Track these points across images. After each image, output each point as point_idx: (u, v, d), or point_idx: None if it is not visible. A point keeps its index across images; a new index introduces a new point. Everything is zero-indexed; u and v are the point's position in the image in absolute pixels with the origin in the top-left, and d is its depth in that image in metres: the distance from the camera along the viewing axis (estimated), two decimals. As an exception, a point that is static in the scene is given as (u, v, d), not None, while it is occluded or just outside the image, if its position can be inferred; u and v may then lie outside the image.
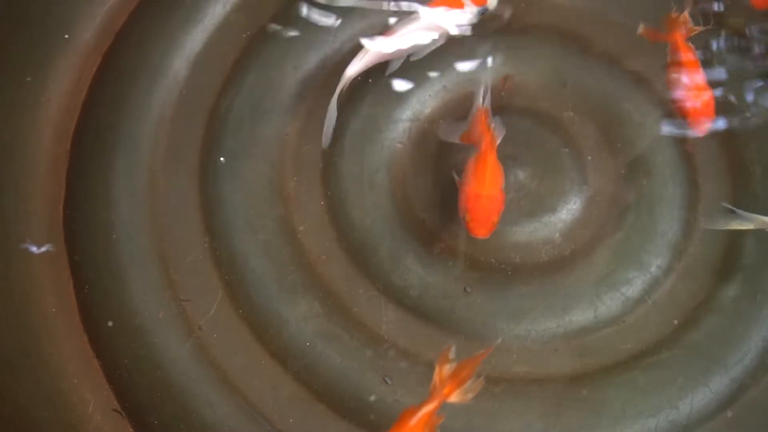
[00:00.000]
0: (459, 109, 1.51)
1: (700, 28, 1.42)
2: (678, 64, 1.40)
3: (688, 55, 1.40)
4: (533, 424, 1.34)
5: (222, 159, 1.47)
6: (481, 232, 1.29)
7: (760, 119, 1.49)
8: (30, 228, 1.43)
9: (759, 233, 1.43)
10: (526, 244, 1.45)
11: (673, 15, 1.43)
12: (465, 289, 1.42)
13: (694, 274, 1.43)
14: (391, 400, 1.36)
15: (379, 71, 1.52)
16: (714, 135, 1.45)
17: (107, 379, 1.38)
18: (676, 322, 1.40)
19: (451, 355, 1.16)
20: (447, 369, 1.15)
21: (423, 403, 1.13)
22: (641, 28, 1.45)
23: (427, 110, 1.52)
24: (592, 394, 1.35)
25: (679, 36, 1.41)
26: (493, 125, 1.33)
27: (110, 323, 1.38)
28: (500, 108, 1.50)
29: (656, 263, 1.43)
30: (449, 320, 1.41)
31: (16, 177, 1.45)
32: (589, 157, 1.50)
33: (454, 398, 1.15)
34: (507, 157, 1.47)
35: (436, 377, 1.15)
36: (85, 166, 1.47)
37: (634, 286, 1.42)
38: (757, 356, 1.37)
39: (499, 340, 1.26)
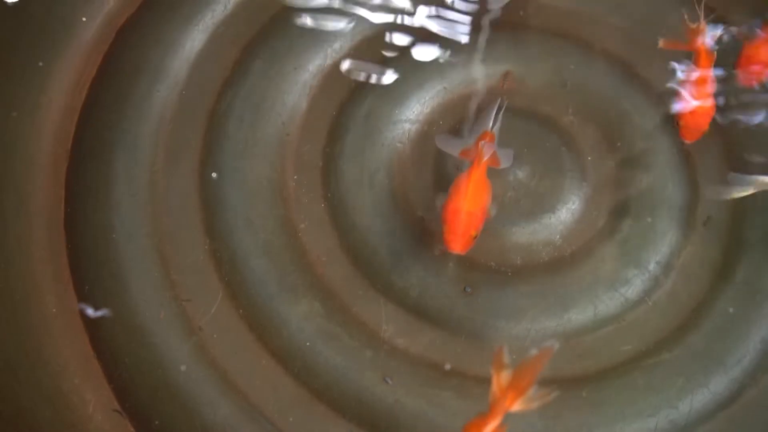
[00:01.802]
0: (459, 110, 1.51)
1: (719, 35, 1.44)
2: (700, 74, 1.41)
3: (709, 65, 1.42)
4: (533, 424, 1.34)
5: (214, 174, 1.47)
6: (456, 247, 1.28)
7: (760, 119, 1.49)
8: (30, 228, 1.43)
9: (758, 232, 1.44)
10: (525, 244, 1.45)
11: (693, 25, 1.44)
12: (465, 289, 1.42)
13: (693, 274, 1.43)
14: (392, 400, 1.36)
15: (379, 72, 1.53)
16: (714, 135, 1.46)
17: (107, 379, 1.38)
18: (675, 322, 1.41)
19: (506, 358, 1.10)
20: (505, 377, 1.09)
21: (485, 417, 1.07)
22: (661, 42, 1.46)
23: (427, 111, 1.52)
24: (591, 394, 1.36)
25: (702, 46, 1.43)
26: (485, 146, 1.33)
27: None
28: (500, 108, 1.51)
29: (656, 263, 1.43)
30: (449, 320, 1.41)
31: (16, 177, 1.45)
32: (589, 157, 1.50)
33: (516, 407, 1.09)
34: (507, 157, 1.47)
35: (494, 386, 1.09)
36: (85, 166, 1.47)
37: (634, 286, 1.42)
38: (756, 356, 1.37)
39: (556, 345, 1.23)
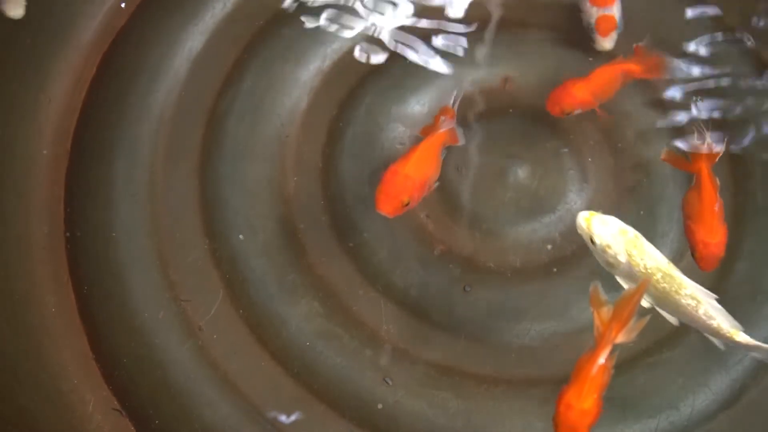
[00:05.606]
0: (459, 110, 1.50)
1: (721, 152, 1.31)
2: (699, 196, 1.28)
3: (711, 190, 1.28)
4: (533, 424, 1.34)
5: (241, 237, 1.45)
6: (383, 207, 1.24)
7: (760, 120, 1.49)
8: (30, 228, 1.43)
9: (759, 232, 1.43)
10: (526, 244, 1.45)
11: (700, 146, 1.32)
12: (465, 288, 1.42)
13: (694, 274, 1.43)
14: (392, 400, 1.36)
15: (379, 71, 1.53)
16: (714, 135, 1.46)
17: (107, 380, 1.38)
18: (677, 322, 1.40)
19: (602, 295, 1.11)
20: (606, 311, 1.11)
21: (594, 351, 1.09)
22: (664, 153, 1.36)
23: (427, 111, 1.52)
24: (592, 394, 1.35)
25: (705, 168, 1.30)
26: (444, 122, 1.32)
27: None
28: (501, 109, 1.51)
29: (656, 263, 1.43)
30: (449, 320, 1.41)
31: (16, 177, 1.45)
32: (589, 158, 1.50)
33: (620, 339, 1.11)
34: (507, 157, 1.47)
35: (597, 321, 1.11)
36: (85, 166, 1.47)
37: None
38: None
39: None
